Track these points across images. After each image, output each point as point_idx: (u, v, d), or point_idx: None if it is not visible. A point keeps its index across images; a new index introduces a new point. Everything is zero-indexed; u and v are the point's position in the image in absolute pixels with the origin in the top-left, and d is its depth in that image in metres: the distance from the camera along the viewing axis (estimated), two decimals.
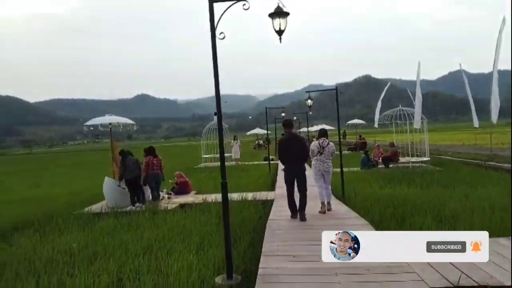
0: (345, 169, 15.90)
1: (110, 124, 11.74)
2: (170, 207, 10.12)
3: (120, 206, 10.42)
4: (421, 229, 6.11)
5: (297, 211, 7.56)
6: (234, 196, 10.99)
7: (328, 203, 8.24)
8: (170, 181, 12.93)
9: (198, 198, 11.21)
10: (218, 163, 19.21)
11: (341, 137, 43.33)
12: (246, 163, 23.86)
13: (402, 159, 17.78)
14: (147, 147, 10.61)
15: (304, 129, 40.07)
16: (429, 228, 6.16)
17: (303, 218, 7.42)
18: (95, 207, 10.61)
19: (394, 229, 6.35)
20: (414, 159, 17.51)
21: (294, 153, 7.38)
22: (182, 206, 10.51)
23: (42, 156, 72.99)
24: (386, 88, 26.48)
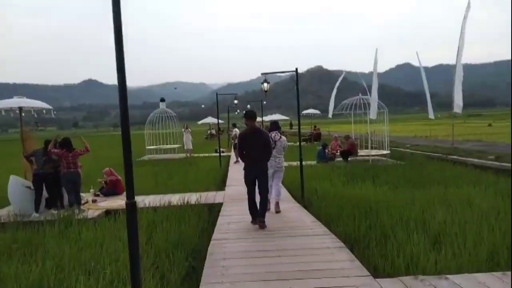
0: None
1: (19, 108, 9.42)
2: (92, 215, 8.12)
3: (26, 213, 8.30)
4: (416, 256, 4.63)
5: (258, 214, 6.56)
6: (174, 198, 9.20)
7: (277, 203, 7.49)
8: (98, 180, 10.83)
9: None
10: (164, 156, 17.12)
11: (288, 127, 42.34)
12: (196, 155, 21.94)
13: (360, 152, 16.69)
14: (61, 138, 8.44)
15: (259, 119, 38.69)
16: (427, 254, 4.69)
17: (262, 226, 6.39)
18: None
19: (377, 253, 4.84)
20: (374, 152, 16.48)
21: (256, 150, 6.47)
22: (108, 212, 8.54)
23: None
24: (341, 78, 25.59)
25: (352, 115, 17.90)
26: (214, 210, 8.46)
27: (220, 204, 8.71)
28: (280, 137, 7.53)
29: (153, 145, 23.01)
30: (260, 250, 5.10)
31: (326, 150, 16.15)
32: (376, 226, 5.96)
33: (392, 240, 5.26)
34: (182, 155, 21.73)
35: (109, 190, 10.43)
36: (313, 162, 15.57)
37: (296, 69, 9.58)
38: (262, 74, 9.95)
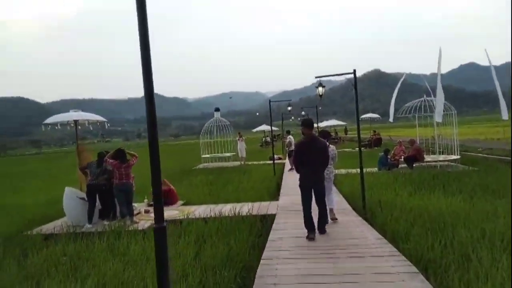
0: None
1: (75, 122, 9.56)
2: (142, 226, 7.91)
3: (80, 224, 8.30)
4: (508, 283, 3.75)
5: (315, 231, 6.23)
6: (226, 209, 8.79)
7: (331, 210, 7.22)
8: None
9: (182, 213, 8.98)
10: (219, 164, 16.92)
11: (343, 133, 40.93)
12: (251, 162, 21.61)
13: (427, 158, 15.35)
14: (116, 149, 8.37)
15: (314, 125, 37.61)
16: None
17: (322, 232, 6.31)
18: (48, 227, 8.42)
19: (458, 279, 4.01)
20: (442, 157, 15.08)
21: (313, 159, 6.22)
22: None
23: (50, 155, 71.84)
24: (402, 79, 24.12)
25: (417, 118, 16.61)
26: (266, 221, 7.92)
27: (273, 216, 8.15)
28: (329, 146, 7.17)
29: (208, 154, 23.03)
30: (317, 274, 4.41)
31: (389, 156, 15.05)
32: (453, 245, 5.07)
33: (475, 263, 4.38)
34: (237, 163, 21.51)
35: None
36: (374, 169, 14.54)
37: (354, 70, 8.83)
38: (316, 77, 9.34)
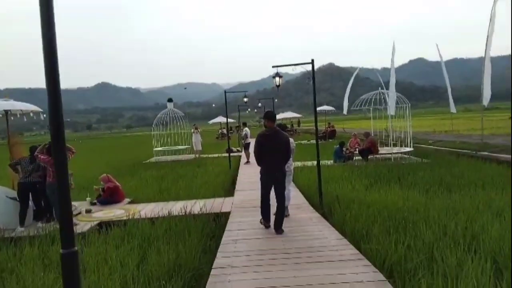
0: (315, 162, 13.53)
1: (5, 112, 8.50)
2: (81, 229, 7.14)
3: (10, 227, 7.39)
4: None
5: (269, 219, 6.25)
6: (177, 207, 8.20)
7: (286, 207, 6.85)
8: (94, 187, 9.88)
9: (128, 212, 8.25)
10: (172, 157, 16.10)
11: (290, 126, 40.93)
12: (206, 155, 20.95)
13: (381, 150, 15.46)
14: (46, 143, 7.45)
15: None
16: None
17: (279, 231, 5.99)
18: None
19: (427, 286, 3.69)
20: (395, 149, 15.23)
21: (275, 153, 6.04)
22: (102, 224, 7.57)
23: None
24: (355, 73, 24.41)
25: (371, 110, 16.69)
26: (220, 220, 7.42)
27: (228, 214, 7.66)
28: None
29: (161, 147, 22.09)
30: (275, 286, 3.95)
31: (344, 149, 14.98)
32: (417, 245, 4.80)
33: (442, 266, 4.11)
34: (191, 156, 20.77)
35: (107, 198, 9.46)
36: (329, 162, 14.43)
37: (312, 60, 8.46)
38: (273, 67, 8.87)
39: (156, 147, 21.91)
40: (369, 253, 4.78)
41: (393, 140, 16.19)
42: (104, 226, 7.51)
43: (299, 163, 14.11)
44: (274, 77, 8.85)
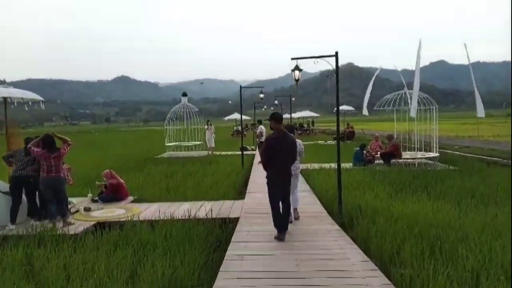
0: (334, 165, 12.56)
1: (4, 99, 7.91)
2: (76, 230, 6.49)
3: (1, 224, 6.83)
4: None
5: (285, 228, 5.83)
6: (182, 209, 7.52)
7: (295, 209, 6.73)
8: (97, 183, 9.26)
9: (129, 212, 7.59)
10: (185, 153, 15.43)
11: (306, 125, 39.88)
12: (219, 153, 20.28)
13: (404, 154, 14.50)
14: (43, 135, 6.81)
15: (287, 115, 36.54)
16: None
17: (281, 238, 5.66)
18: None
19: None
20: (420, 154, 14.24)
21: (283, 156, 5.81)
22: (99, 225, 6.93)
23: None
24: (376, 72, 23.35)
25: (395, 111, 15.73)
26: (227, 227, 6.69)
27: (236, 220, 6.92)
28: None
29: (173, 142, 21.50)
30: None
31: (364, 152, 14.09)
32: (458, 273, 3.97)
33: None
34: (204, 153, 20.13)
35: (109, 195, 8.84)
36: (348, 165, 13.54)
37: (336, 53, 7.63)
38: (292, 59, 8.09)
39: (169, 142, 21.33)
40: (400, 281, 3.97)
41: (416, 144, 15.24)
42: (100, 227, 6.88)
43: (316, 165, 13.32)
44: (293, 70, 8.05)
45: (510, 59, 14.31)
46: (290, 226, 6.09)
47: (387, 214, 6.51)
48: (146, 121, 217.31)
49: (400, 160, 14.03)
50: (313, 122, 42.99)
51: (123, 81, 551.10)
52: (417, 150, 14.28)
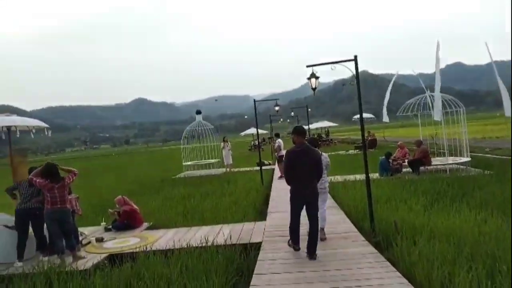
0: (359, 176, 11.94)
1: (7, 128, 7.57)
2: (85, 265, 5.97)
3: (7, 261, 6.38)
4: None
5: (299, 241, 5.69)
6: (199, 235, 6.97)
7: (321, 229, 6.20)
8: (109, 210, 8.79)
9: (145, 241, 7.05)
10: (202, 172, 14.99)
11: (325, 135, 38.80)
12: (237, 169, 19.74)
13: (434, 161, 13.64)
14: (44, 164, 6.38)
15: (304, 127, 35.80)
16: None
17: (312, 257, 5.38)
18: None
19: None
20: (450, 159, 13.37)
21: (306, 171, 5.55)
22: (112, 258, 6.40)
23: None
24: (393, 79, 22.60)
25: (419, 116, 14.95)
26: (249, 254, 6.06)
27: (258, 245, 6.29)
28: (321, 154, 6.25)
29: (190, 161, 21.09)
30: None
31: (390, 160, 13.31)
32: None
33: None
34: (222, 170, 19.61)
35: (123, 223, 8.34)
36: (374, 175, 12.76)
37: (355, 57, 7.06)
38: (307, 66, 7.54)
39: (185, 161, 20.94)
40: None
41: (443, 149, 14.38)
42: (112, 259, 6.36)
43: (339, 177, 12.63)
44: (309, 78, 7.48)
45: None
46: (321, 250, 5.51)
47: (427, 231, 5.79)
48: (165, 141, 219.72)
49: (429, 167, 13.19)
50: (328, 132, 42.03)
51: (140, 103, 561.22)
52: (447, 156, 13.42)
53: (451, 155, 13.94)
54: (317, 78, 7.46)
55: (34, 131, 7.70)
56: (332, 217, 7.57)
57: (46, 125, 7.97)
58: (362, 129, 7.26)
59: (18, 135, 7.81)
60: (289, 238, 5.83)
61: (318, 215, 5.72)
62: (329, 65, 7.40)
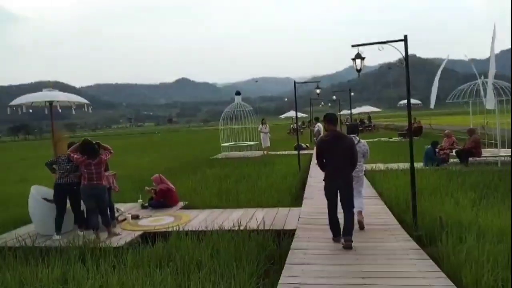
0: (402, 165, 11.39)
1: (49, 103, 7.72)
2: (119, 242, 6.02)
3: (46, 233, 6.59)
4: None
5: (340, 232, 5.46)
6: (231, 218, 6.86)
7: (360, 213, 6.06)
8: (146, 188, 8.86)
9: (179, 221, 7.05)
10: (239, 153, 15.00)
11: (367, 120, 37.27)
12: (275, 152, 19.52)
13: (484, 152, 12.76)
14: (81, 141, 6.43)
15: (346, 111, 34.96)
16: None
17: (347, 246, 5.20)
18: (11, 236, 6.70)
19: None
20: (503, 151, 12.44)
21: (339, 158, 5.44)
22: (146, 235, 6.44)
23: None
24: (443, 64, 21.27)
25: (470, 104, 14.00)
26: (282, 240, 5.87)
27: (292, 232, 6.09)
28: (359, 141, 6.25)
29: (228, 142, 21.11)
30: None
31: (437, 149, 12.58)
32: None
33: None
34: (259, 152, 19.49)
35: (159, 201, 8.40)
36: (419, 165, 12.10)
37: (405, 36, 6.56)
38: (353, 46, 7.10)
39: (223, 142, 20.98)
40: None
41: (494, 140, 13.42)
42: (146, 237, 6.39)
43: (381, 165, 12.12)
44: (354, 59, 7.04)
45: None
46: (358, 242, 5.22)
47: (475, 228, 5.34)
48: (206, 121, 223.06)
49: (478, 159, 12.36)
50: (370, 118, 40.62)
51: (183, 83, 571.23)
52: (499, 147, 12.50)
53: (503, 146, 12.99)
54: (362, 59, 7.03)
55: (75, 107, 7.80)
56: (372, 207, 7.23)
57: (87, 102, 8.07)
58: (409, 115, 6.77)
59: (60, 110, 7.95)
60: (331, 235, 5.55)
61: (355, 201, 5.53)
62: (375, 46, 6.95)
